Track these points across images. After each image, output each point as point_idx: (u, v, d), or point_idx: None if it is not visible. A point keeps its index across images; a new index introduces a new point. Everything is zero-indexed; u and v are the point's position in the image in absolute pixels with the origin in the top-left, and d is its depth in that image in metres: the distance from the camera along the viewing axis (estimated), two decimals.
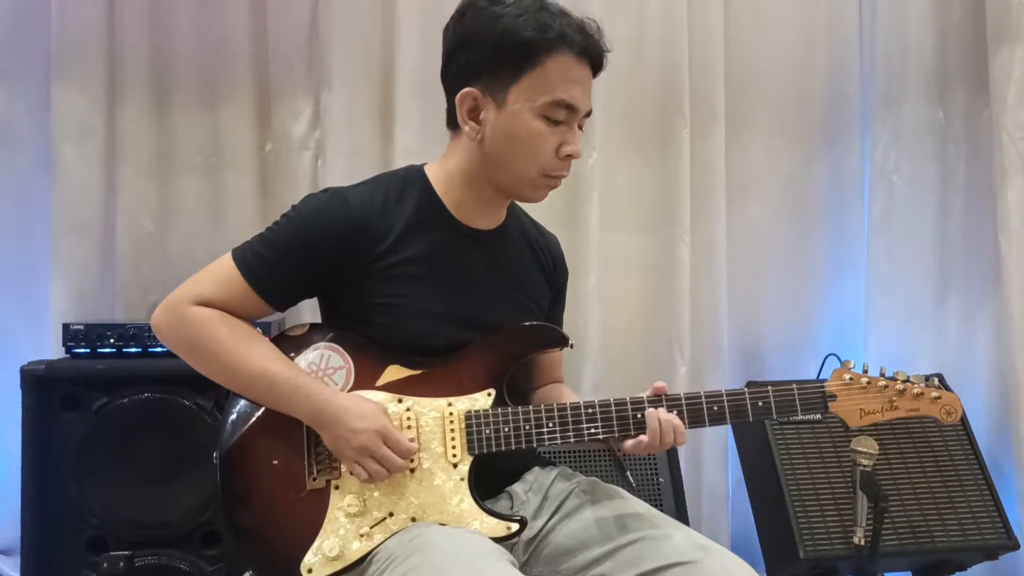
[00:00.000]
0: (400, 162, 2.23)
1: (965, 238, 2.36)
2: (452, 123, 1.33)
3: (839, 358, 2.02)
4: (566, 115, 1.25)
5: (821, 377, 2.09)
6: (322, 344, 1.29)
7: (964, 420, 1.98)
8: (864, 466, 1.53)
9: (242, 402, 1.27)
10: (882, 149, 2.41)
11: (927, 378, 1.31)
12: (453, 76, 1.29)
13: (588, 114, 1.30)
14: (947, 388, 1.97)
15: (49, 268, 2.23)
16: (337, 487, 1.22)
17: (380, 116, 2.35)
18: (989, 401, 2.26)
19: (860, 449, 1.55)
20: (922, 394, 1.28)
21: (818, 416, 1.94)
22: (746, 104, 2.43)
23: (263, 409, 1.25)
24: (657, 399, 1.25)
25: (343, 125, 2.29)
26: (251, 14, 2.32)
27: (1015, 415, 2.13)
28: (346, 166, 2.26)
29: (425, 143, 2.28)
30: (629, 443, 1.24)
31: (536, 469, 1.39)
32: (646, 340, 2.39)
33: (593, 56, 1.26)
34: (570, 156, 1.27)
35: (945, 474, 1.91)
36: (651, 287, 2.39)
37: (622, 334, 2.39)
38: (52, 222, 2.23)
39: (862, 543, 1.56)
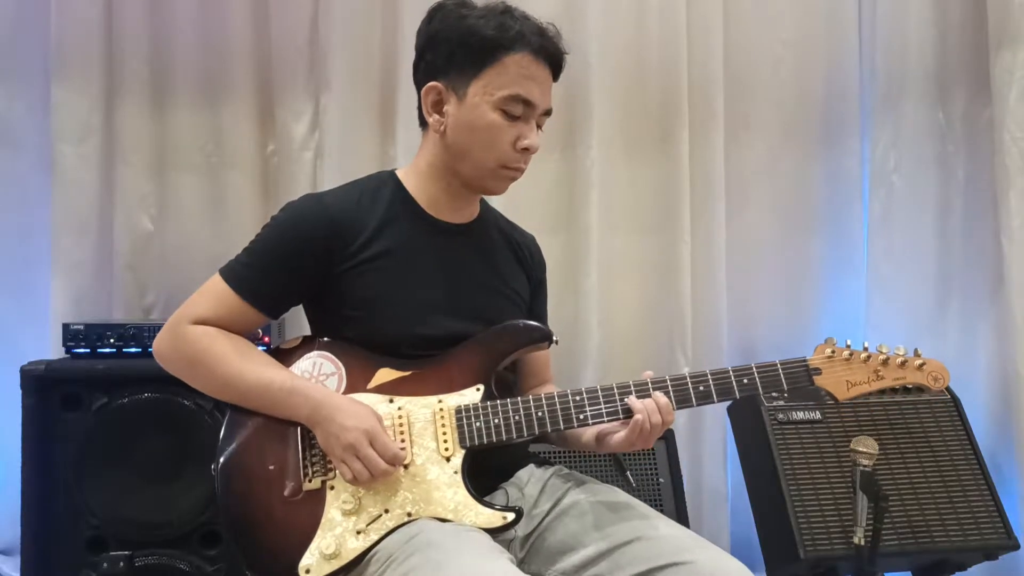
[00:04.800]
0: (401, 163, 2.23)
1: (965, 239, 2.36)
2: (422, 120, 1.38)
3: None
4: (523, 110, 1.31)
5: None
6: (314, 352, 1.33)
7: (964, 420, 1.98)
8: (864, 466, 1.53)
9: (237, 413, 1.30)
10: (882, 150, 2.41)
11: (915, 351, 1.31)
12: (422, 73, 1.35)
13: (548, 113, 1.36)
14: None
15: (49, 268, 2.23)
16: (333, 487, 1.23)
17: (381, 117, 2.35)
18: (990, 401, 2.25)
19: (860, 449, 1.55)
20: (906, 363, 1.29)
21: (817, 415, 1.94)
22: (746, 104, 2.43)
23: (257, 417, 1.28)
24: (643, 383, 1.27)
25: (344, 126, 2.29)
26: (251, 14, 2.32)
27: (1016, 416, 2.13)
28: (347, 167, 2.26)
29: None
30: (620, 437, 1.25)
31: (532, 466, 1.41)
32: (647, 341, 2.39)
33: (551, 56, 1.33)
34: (527, 150, 1.33)
35: (945, 474, 1.90)
36: (652, 288, 2.39)
37: (623, 335, 2.38)
38: (52, 222, 2.23)
39: (862, 543, 1.55)
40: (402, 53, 2.28)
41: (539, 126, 1.35)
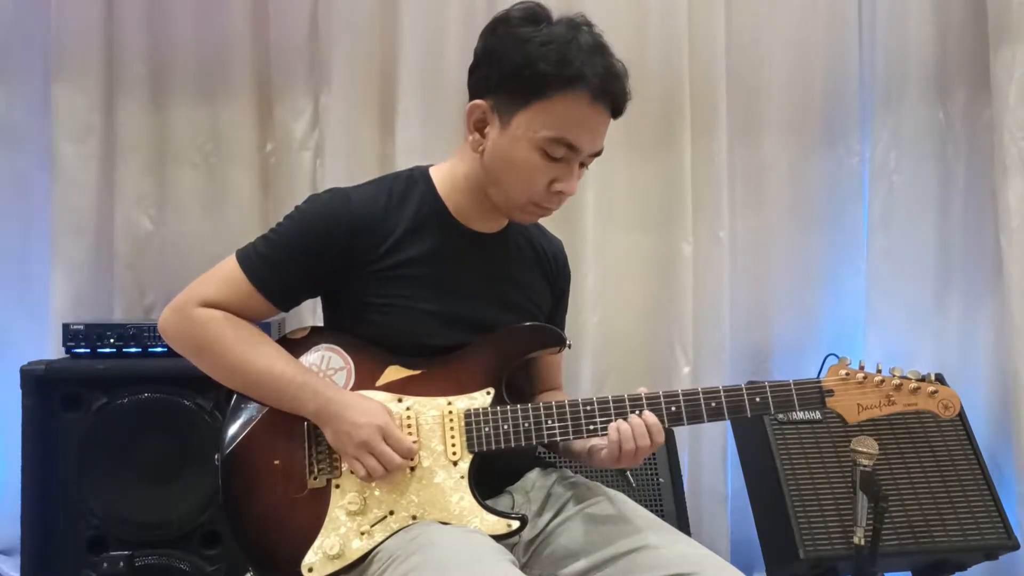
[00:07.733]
0: (401, 162, 2.23)
1: (965, 238, 2.36)
2: None
3: (839, 358, 2.02)
4: (565, 153, 1.23)
5: (821, 377, 2.10)
6: (323, 346, 1.30)
7: (964, 420, 1.98)
8: (864, 466, 1.53)
9: (243, 403, 1.28)
10: (882, 149, 2.41)
11: (924, 375, 1.31)
12: (473, 84, 1.29)
13: (598, 153, 1.28)
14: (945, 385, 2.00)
15: (49, 268, 2.23)
16: (338, 486, 1.22)
17: (380, 116, 2.35)
18: (989, 401, 2.26)
19: (860, 449, 1.54)
20: (919, 389, 1.28)
21: (817, 415, 1.94)
22: (747, 104, 2.43)
23: (264, 410, 1.26)
24: (655, 396, 1.26)
25: (343, 125, 2.29)
26: (251, 13, 2.32)
27: (1015, 415, 2.13)
28: (346, 166, 2.26)
29: (426, 143, 2.28)
30: (605, 454, 1.25)
31: (537, 470, 1.39)
32: (648, 340, 2.39)
33: (612, 100, 1.24)
34: (562, 193, 1.26)
35: (945, 474, 1.91)
36: (653, 287, 2.39)
37: (623, 334, 2.38)
38: (52, 222, 2.23)
39: (862, 543, 1.55)
40: (402, 52, 2.28)
41: (585, 164, 1.29)
